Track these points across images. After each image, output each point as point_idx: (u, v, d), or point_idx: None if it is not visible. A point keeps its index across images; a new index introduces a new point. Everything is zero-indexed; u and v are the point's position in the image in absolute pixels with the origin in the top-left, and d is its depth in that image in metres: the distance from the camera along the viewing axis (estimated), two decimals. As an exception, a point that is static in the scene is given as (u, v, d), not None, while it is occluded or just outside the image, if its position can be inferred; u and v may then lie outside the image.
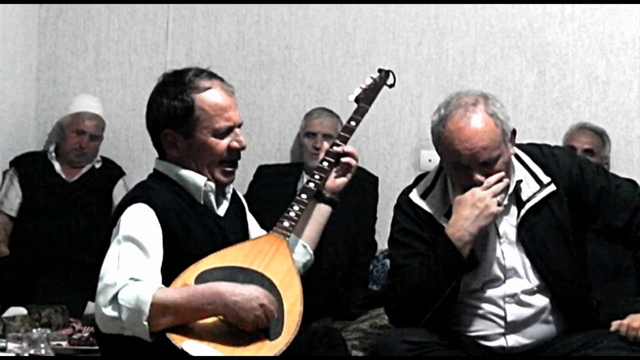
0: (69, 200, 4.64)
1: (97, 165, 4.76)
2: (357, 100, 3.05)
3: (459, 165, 2.84)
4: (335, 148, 2.90)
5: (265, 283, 2.58)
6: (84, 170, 4.72)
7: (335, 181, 2.90)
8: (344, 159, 2.89)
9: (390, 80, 3.17)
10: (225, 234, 2.72)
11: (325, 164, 2.88)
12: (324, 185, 2.88)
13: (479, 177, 2.82)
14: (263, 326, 2.48)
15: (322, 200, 2.88)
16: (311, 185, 2.83)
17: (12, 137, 4.89)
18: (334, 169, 2.89)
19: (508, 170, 2.87)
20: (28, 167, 4.73)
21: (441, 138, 2.86)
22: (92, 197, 4.65)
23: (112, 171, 4.76)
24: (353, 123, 2.97)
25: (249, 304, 2.45)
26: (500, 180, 2.83)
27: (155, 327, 2.42)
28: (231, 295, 2.45)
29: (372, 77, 3.13)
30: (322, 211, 2.89)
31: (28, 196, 4.67)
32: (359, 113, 3.01)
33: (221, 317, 2.48)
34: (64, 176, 4.70)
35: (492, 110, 2.84)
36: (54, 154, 4.74)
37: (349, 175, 2.91)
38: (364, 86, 3.09)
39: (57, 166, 4.72)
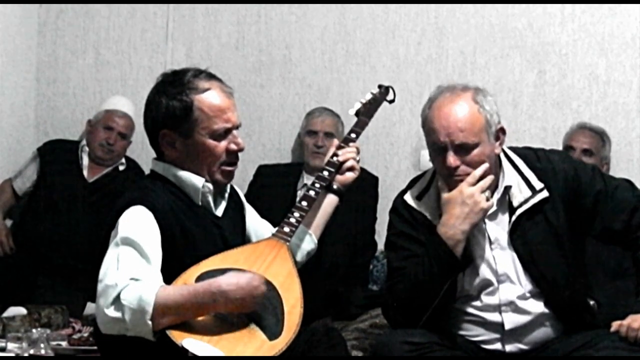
0: (82, 200, 4.60)
1: (121, 168, 4.71)
2: (357, 114, 3.12)
3: (436, 147, 2.83)
4: (336, 157, 2.98)
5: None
6: (106, 171, 4.67)
7: (345, 174, 2.98)
8: (346, 164, 2.98)
9: (390, 96, 3.23)
10: (224, 234, 2.73)
11: (335, 159, 2.97)
12: (334, 178, 2.96)
13: (451, 159, 2.80)
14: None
15: (331, 191, 2.97)
16: (312, 193, 2.89)
17: (11, 137, 4.89)
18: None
19: (491, 166, 2.84)
20: (55, 154, 4.70)
21: (425, 118, 2.88)
22: (106, 200, 4.48)
23: (133, 175, 4.65)
24: (353, 135, 3.05)
25: (251, 294, 2.48)
26: (485, 175, 2.82)
27: (158, 326, 2.43)
28: (234, 293, 2.46)
29: (372, 93, 3.20)
30: (330, 201, 2.97)
31: (43, 186, 4.66)
32: (359, 126, 3.08)
33: (221, 314, 2.49)
34: (85, 173, 4.65)
35: (479, 98, 2.84)
36: (86, 148, 4.70)
37: (356, 172, 2.99)
38: (364, 101, 3.16)
39: (84, 160, 4.68)
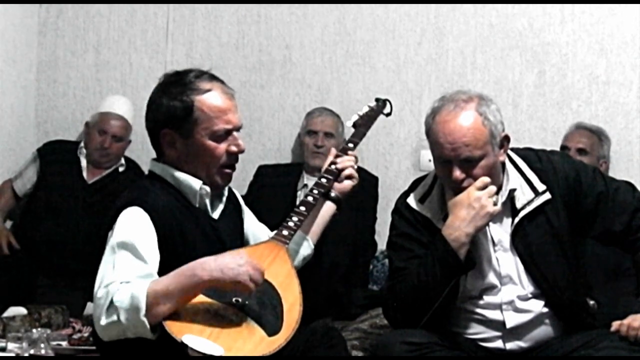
0: (81, 202, 4.59)
1: (121, 169, 4.70)
2: (354, 125, 3.16)
3: (442, 160, 2.85)
4: (334, 165, 3.01)
5: (265, 284, 2.59)
6: (106, 172, 4.66)
7: (344, 183, 3.00)
8: (345, 172, 3.00)
9: (387, 110, 3.27)
10: (221, 236, 2.73)
11: (333, 167, 2.99)
12: (333, 185, 2.98)
13: (457, 174, 2.81)
14: (258, 284, 2.49)
15: (329, 199, 2.98)
16: (310, 199, 2.91)
17: (12, 137, 4.89)
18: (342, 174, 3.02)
19: (494, 175, 2.85)
20: (55, 155, 4.70)
21: (429, 130, 2.88)
22: (106, 201, 4.41)
23: (133, 176, 4.62)
24: (351, 145, 3.07)
25: (236, 262, 2.46)
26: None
27: (154, 319, 2.42)
28: (215, 260, 2.46)
29: (369, 106, 3.24)
30: (328, 209, 2.99)
31: (43, 186, 4.65)
32: (357, 136, 3.12)
33: (221, 311, 2.50)
34: (85, 175, 4.65)
35: (482, 110, 2.83)
36: (84, 150, 4.69)
37: (355, 180, 3.01)
38: (361, 113, 3.19)
39: (83, 162, 4.67)
